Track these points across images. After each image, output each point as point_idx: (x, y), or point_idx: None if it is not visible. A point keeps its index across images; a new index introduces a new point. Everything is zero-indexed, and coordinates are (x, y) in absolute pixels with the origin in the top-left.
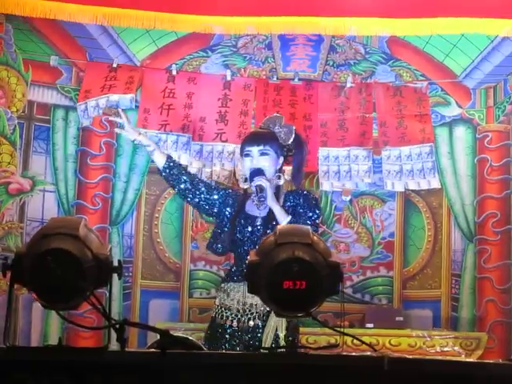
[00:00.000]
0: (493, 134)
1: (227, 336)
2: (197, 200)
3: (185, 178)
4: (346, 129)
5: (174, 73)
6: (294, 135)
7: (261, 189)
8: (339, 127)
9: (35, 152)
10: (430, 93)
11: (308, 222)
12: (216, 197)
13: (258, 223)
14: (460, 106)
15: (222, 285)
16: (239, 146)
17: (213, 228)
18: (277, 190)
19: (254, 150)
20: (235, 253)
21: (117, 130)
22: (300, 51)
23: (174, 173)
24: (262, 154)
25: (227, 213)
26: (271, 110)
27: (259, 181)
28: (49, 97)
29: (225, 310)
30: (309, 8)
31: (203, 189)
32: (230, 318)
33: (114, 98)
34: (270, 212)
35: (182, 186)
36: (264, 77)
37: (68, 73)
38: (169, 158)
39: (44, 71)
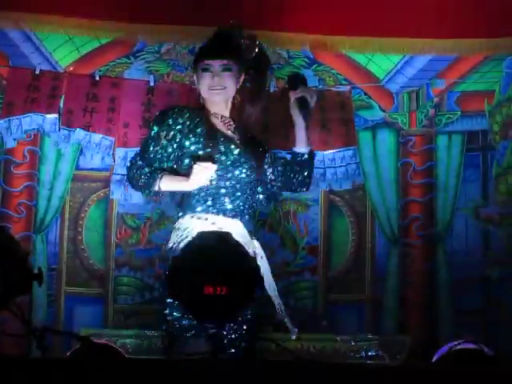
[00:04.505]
0: (416, 138)
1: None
2: (158, 172)
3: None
4: (270, 132)
5: (97, 78)
6: (257, 49)
7: (304, 102)
8: (263, 131)
9: None
10: (353, 97)
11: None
12: (170, 145)
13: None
14: (383, 110)
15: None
16: None
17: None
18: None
19: (216, 64)
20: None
21: None
22: None
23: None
24: (225, 69)
25: (192, 140)
26: None
27: (304, 91)
28: None
29: None
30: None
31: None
32: None
33: (38, 119)
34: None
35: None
36: (188, 82)
37: None
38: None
39: None
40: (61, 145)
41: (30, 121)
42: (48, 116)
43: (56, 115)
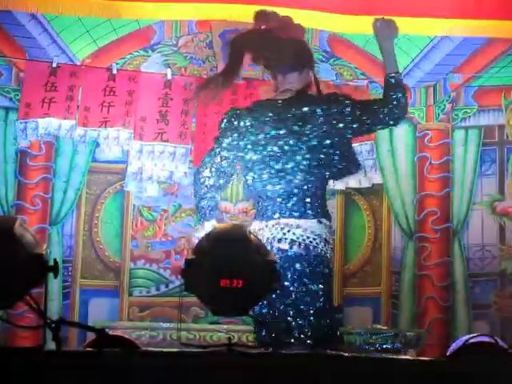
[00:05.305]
0: (433, 133)
1: None
2: None
3: None
4: None
5: (115, 71)
6: None
7: None
8: None
9: None
10: (371, 91)
11: None
12: None
13: None
14: None
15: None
16: (179, 145)
17: None
18: None
19: None
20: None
21: None
22: None
23: None
24: None
25: None
26: (212, 109)
27: None
28: None
29: None
30: None
31: None
32: None
33: (54, 124)
34: None
35: None
36: (205, 76)
37: (8, 73)
38: None
39: None
40: (78, 145)
41: (46, 125)
42: (64, 122)
43: (72, 121)
